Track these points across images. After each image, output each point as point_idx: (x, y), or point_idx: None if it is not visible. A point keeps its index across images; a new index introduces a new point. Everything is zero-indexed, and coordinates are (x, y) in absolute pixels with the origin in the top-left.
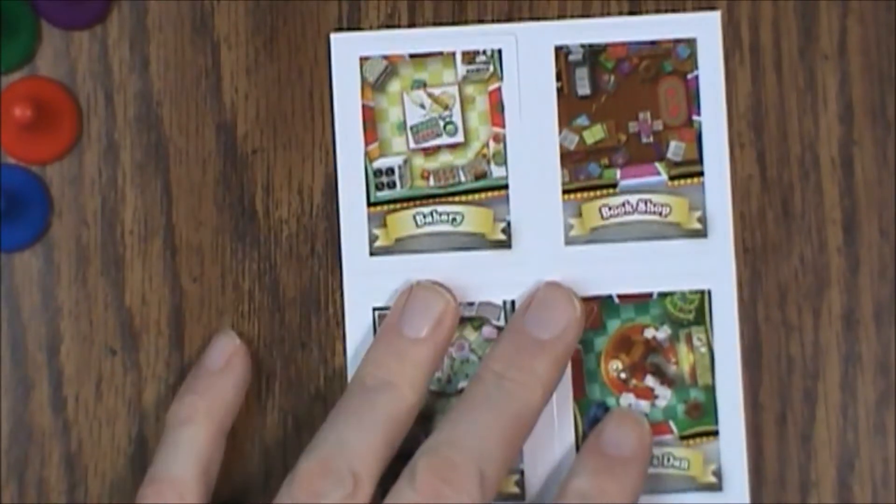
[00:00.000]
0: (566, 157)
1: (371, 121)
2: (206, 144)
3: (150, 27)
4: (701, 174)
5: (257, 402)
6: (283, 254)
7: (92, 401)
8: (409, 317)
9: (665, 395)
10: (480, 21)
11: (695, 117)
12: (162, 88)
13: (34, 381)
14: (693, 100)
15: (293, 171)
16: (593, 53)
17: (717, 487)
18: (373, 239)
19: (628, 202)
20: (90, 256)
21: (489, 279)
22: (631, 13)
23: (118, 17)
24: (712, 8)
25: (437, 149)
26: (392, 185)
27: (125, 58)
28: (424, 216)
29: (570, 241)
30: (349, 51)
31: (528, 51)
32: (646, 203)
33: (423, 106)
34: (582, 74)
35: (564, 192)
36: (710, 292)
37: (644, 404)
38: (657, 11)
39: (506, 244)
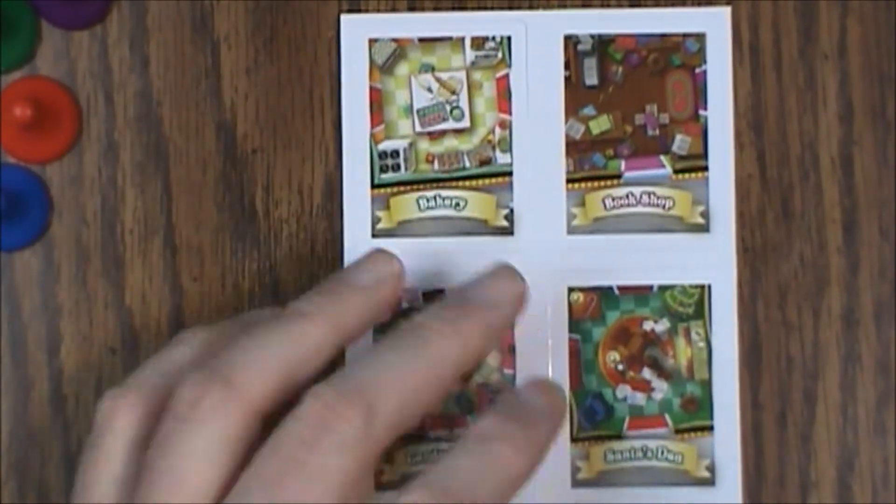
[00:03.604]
0: (571, 146)
1: (378, 103)
2: (206, 144)
3: (150, 27)
4: (705, 169)
5: None
6: (283, 254)
7: (92, 401)
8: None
9: (661, 389)
10: (483, 10)
11: (701, 112)
12: (162, 88)
13: (34, 381)
14: (700, 94)
15: (293, 171)
16: (602, 44)
17: (709, 482)
18: (375, 221)
19: (632, 194)
20: (90, 256)
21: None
22: (639, 5)
23: (118, 17)
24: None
25: (443, 133)
26: (396, 168)
27: (125, 58)
28: (427, 200)
29: (572, 231)
30: (358, 32)
31: (537, 39)
32: (649, 195)
33: (430, 90)
34: (590, 64)
35: (568, 181)
36: (710, 287)
37: (640, 396)
38: (665, 4)
39: (508, 231)
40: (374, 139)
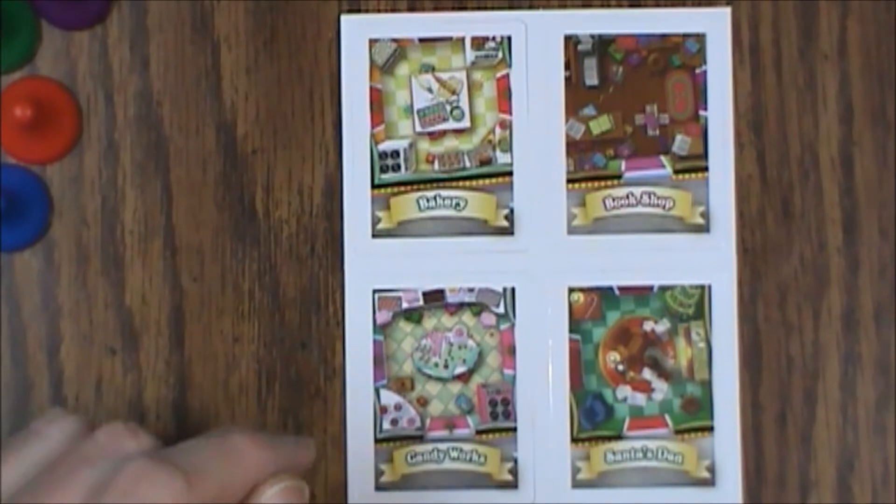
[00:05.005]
0: (572, 146)
1: (378, 103)
2: (206, 144)
3: (150, 27)
4: (705, 169)
5: (257, 401)
6: (283, 254)
7: (92, 401)
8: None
9: (661, 389)
10: (483, 10)
11: (701, 112)
12: (162, 88)
13: (34, 381)
14: (700, 95)
15: (293, 171)
16: (602, 44)
17: (710, 483)
18: (375, 221)
19: (632, 194)
20: (90, 256)
21: (490, 265)
22: (639, 5)
23: (118, 17)
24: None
25: (443, 133)
26: (397, 168)
27: (125, 58)
28: (428, 200)
29: (572, 231)
30: (358, 32)
31: (538, 39)
32: (649, 196)
33: (430, 90)
34: (591, 64)
35: (568, 181)
36: (710, 287)
37: (640, 397)
38: (665, 4)
39: (508, 231)
40: (374, 139)
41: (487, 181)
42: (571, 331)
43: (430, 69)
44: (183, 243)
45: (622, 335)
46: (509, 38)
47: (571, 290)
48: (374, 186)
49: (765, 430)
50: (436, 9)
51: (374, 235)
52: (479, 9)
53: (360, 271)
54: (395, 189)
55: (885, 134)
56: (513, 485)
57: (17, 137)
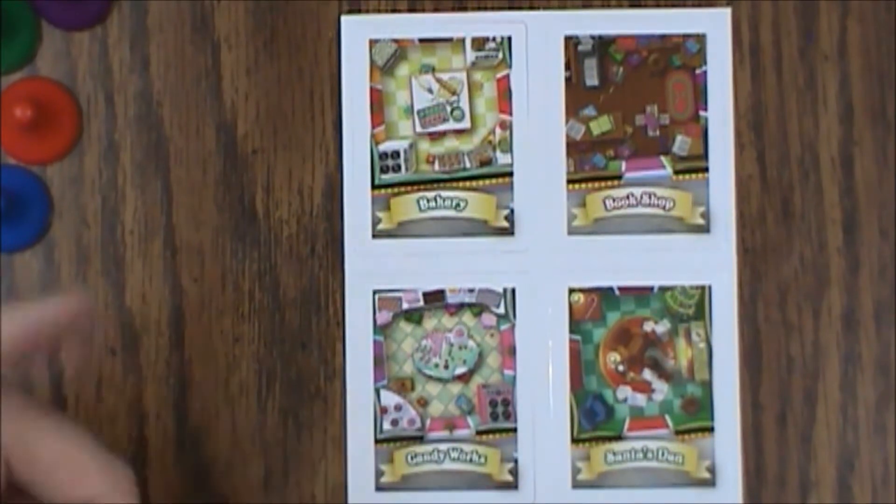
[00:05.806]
0: (572, 146)
1: (378, 104)
2: (206, 144)
3: (150, 27)
4: (706, 170)
5: (257, 402)
6: (283, 254)
7: (92, 401)
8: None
9: (662, 390)
10: (484, 10)
11: (701, 113)
12: (162, 88)
13: (34, 381)
14: (700, 95)
15: (293, 171)
16: (603, 45)
17: (710, 483)
18: (375, 221)
19: (632, 194)
20: (90, 256)
21: (490, 266)
22: (639, 5)
23: (118, 17)
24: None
25: (444, 134)
26: (397, 169)
27: (125, 58)
28: (428, 200)
29: (572, 231)
30: (359, 33)
31: (538, 39)
32: (650, 196)
33: (430, 90)
34: (591, 65)
35: (569, 181)
36: (710, 288)
37: (641, 398)
38: (665, 5)
39: (508, 231)
40: (374, 140)
41: (487, 182)
42: (572, 331)
43: (431, 70)
44: (183, 243)
45: (622, 335)
46: (509, 39)
47: (571, 291)
48: (374, 187)
49: (765, 430)
50: (436, 9)
51: (374, 236)
52: (479, 9)
53: (360, 272)
54: (396, 189)
55: (885, 134)
56: (513, 485)
57: (17, 137)
